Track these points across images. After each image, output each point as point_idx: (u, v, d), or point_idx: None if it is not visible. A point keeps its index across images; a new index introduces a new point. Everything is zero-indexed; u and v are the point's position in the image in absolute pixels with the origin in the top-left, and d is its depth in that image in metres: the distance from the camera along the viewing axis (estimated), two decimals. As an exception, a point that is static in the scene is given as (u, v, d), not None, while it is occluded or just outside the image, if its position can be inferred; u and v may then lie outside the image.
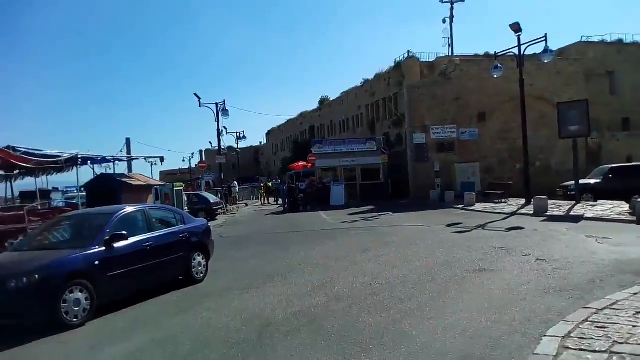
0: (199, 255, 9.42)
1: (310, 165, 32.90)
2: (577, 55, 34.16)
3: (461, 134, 29.02)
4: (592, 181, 21.27)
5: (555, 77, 30.45)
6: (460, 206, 21.81)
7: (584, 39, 37.58)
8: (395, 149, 33.89)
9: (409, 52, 34.87)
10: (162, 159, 21.42)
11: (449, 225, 15.29)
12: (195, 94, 30.40)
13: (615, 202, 18.12)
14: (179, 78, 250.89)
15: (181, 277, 9.06)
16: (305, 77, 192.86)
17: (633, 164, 23.02)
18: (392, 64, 36.11)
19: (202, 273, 9.43)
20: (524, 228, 13.84)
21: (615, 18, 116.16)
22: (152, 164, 21.64)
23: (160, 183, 22.70)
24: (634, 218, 14.54)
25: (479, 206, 21.32)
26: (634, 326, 4.56)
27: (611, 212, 16.32)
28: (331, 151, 31.81)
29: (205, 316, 6.74)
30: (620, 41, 38.18)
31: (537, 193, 19.90)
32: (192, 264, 9.21)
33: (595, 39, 37.89)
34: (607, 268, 7.78)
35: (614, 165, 21.66)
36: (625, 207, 16.68)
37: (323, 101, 56.53)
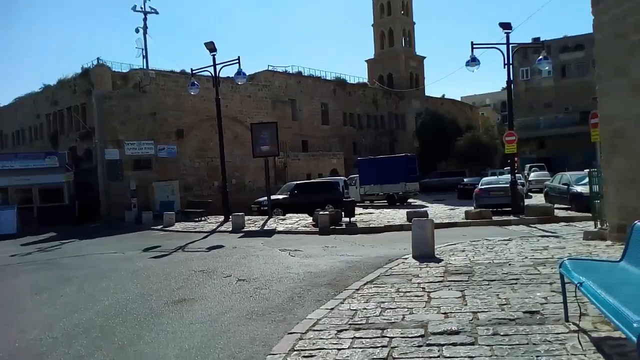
0: None
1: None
2: (265, 82, 37.38)
3: (159, 151, 27.89)
4: (281, 197, 23.14)
5: (247, 100, 32.50)
6: (160, 227, 20.62)
7: (270, 68, 41.55)
8: (84, 166, 30.23)
9: (98, 59, 31.88)
10: None
11: (146, 250, 13.95)
12: None
13: (301, 215, 20.04)
14: None
15: None
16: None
17: (313, 180, 26.17)
18: (79, 71, 32.36)
19: None
20: (224, 246, 13.67)
21: (296, 51, 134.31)
22: None
23: None
24: (317, 229, 16.19)
25: (179, 226, 20.56)
26: (339, 349, 4.36)
27: (298, 224, 17.85)
28: (-1, 168, 26.17)
29: None
30: (300, 73, 43.75)
31: (235, 210, 20.40)
32: None
33: (280, 69, 42.41)
34: (302, 282, 7.94)
35: (298, 182, 24.11)
36: (309, 219, 18.57)
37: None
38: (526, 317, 4.86)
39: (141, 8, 33.15)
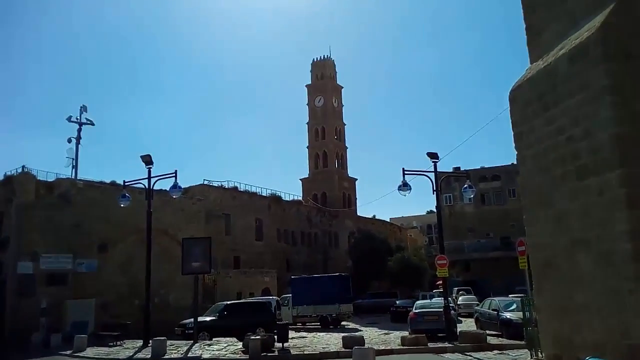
0: None
1: None
2: (200, 195, 36.97)
3: (78, 265, 25.93)
4: (209, 318, 21.67)
5: (180, 214, 31.68)
6: (69, 352, 18.37)
7: (205, 182, 41.46)
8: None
9: (24, 167, 30.46)
10: None
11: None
12: None
13: (229, 340, 18.67)
14: None
15: None
16: None
17: (243, 301, 24.96)
18: (1, 178, 30.60)
19: None
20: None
21: (232, 166, 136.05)
22: None
23: None
24: (247, 356, 15.02)
25: (90, 351, 18.41)
26: None
27: (226, 350, 16.53)
28: None
29: None
30: (235, 188, 43.89)
31: (156, 331, 18.74)
32: None
33: (215, 184, 42.40)
34: None
35: (228, 303, 22.87)
36: (239, 344, 17.27)
37: None
38: None
39: (77, 119, 32.83)
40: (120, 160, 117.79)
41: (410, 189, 18.45)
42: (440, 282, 50.30)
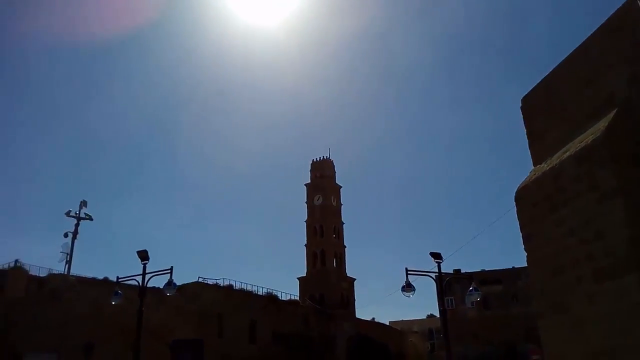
0: None
1: None
2: (193, 294, 35.81)
3: (60, 368, 24.39)
4: None
5: (172, 313, 30.51)
6: None
7: (200, 280, 40.33)
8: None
9: (16, 261, 29.83)
10: None
11: None
12: None
13: None
14: None
15: None
16: None
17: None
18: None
19: None
20: None
21: (228, 264, 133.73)
22: None
23: None
24: None
25: None
26: None
27: None
28: None
29: None
30: (230, 287, 42.60)
31: None
32: None
33: (210, 282, 41.23)
34: None
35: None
36: None
37: None
38: None
39: (76, 213, 32.72)
40: (113, 256, 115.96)
41: (415, 290, 17.87)
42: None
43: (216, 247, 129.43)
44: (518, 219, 10.70)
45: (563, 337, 8.98)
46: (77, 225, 32.05)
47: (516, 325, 51.89)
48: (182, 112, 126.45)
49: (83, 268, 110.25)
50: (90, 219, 33.32)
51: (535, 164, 11.01)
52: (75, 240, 31.99)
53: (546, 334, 9.53)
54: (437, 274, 18.47)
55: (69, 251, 31.15)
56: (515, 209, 10.90)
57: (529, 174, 11.07)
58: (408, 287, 17.73)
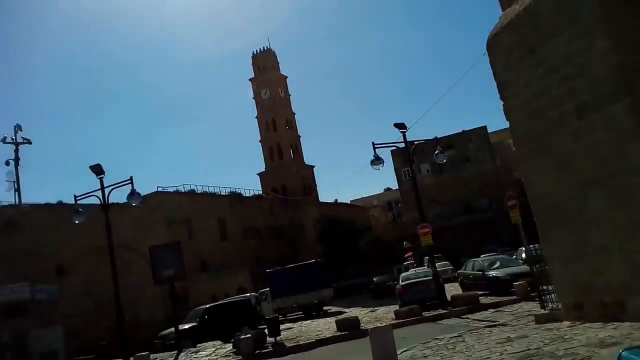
0: None
1: None
2: (156, 204, 35.25)
3: (36, 293, 24.00)
4: (188, 325, 20.51)
5: (138, 225, 30.11)
6: (42, 386, 16.88)
7: (160, 189, 39.61)
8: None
9: (-40, 197, 27.95)
10: None
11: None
12: None
13: (217, 343, 17.68)
14: None
15: None
16: None
17: (223, 301, 23.87)
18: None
19: None
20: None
21: (184, 171, 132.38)
22: None
23: None
24: (240, 357, 14.17)
25: (67, 380, 17.00)
26: None
27: (216, 355, 15.60)
28: None
29: None
30: (192, 192, 42.22)
31: (133, 350, 17.51)
32: None
33: (171, 189, 40.60)
34: None
35: (208, 306, 21.75)
36: (227, 346, 16.35)
37: None
38: None
39: (12, 139, 30.30)
40: (63, 180, 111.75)
41: (383, 162, 17.97)
42: (410, 253, 50.82)
43: (170, 156, 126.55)
44: (492, 68, 10.38)
45: (548, 177, 9.13)
46: (16, 150, 29.87)
47: (470, 184, 54.89)
48: (114, 18, 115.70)
49: (34, 196, 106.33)
50: (29, 142, 31.07)
51: (504, 8, 10.45)
52: (19, 167, 30.06)
53: (530, 177, 9.69)
54: (402, 143, 18.52)
55: (14, 179, 29.37)
56: (488, 60, 10.53)
57: (498, 20, 10.56)
58: (377, 160, 17.77)
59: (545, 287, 10.94)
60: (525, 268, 18.94)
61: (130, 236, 28.87)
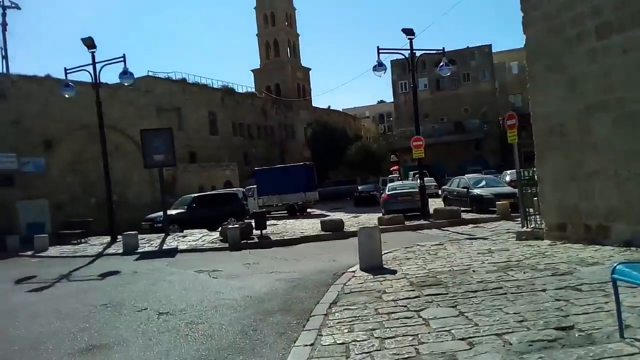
0: None
1: None
2: (147, 88, 34.38)
3: (23, 165, 23.99)
4: (176, 211, 20.92)
5: (128, 108, 29.54)
6: (30, 253, 17.38)
7: (150, 74, 38.46)
8: None
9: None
10: None
11: (19, 282, 11.30)
12: None
13: (203, 231, 18.16)
14: None
15: None
16: None
17: (213, 192, 24.20)
18: None
19: None
20: (120, 272, 11.55)
21: (178, 57, 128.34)
22: None
23: None
24: (227, 245, 14.60)
25: (53, 250, 17.52)
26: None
27: (203, 241, 16.05)
28: None
29: None
30: (184, 80, 41.12)
31: (119, 229, 17.94)
32: None
33: (162, 75, 39.46)
34: (247, 310, 6.53)
35: (197, 195, 22.06)
36: (213, 234, 16.81)
37: None
38: (566, 335, 4.05)
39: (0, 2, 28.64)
40: (53, 53, 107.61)
41: (385, 68, 17.49)
42: (396, 167, 51.33)
43: (162, 41, 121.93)
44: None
45: (556, 97, 8.94)
46: (3, 14, 28.37)
47: (465, 103, 54.40)
48: None
49: (22, 68, 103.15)
50: (17, 7, 29.41)
51: None
52: (7, 33, 28.70)
53: (538, 96, 9.47)
54: (408, 50, 17.89)
55: (2, 46, 28.14)
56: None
57: None
58: (379, 66, 17.28)
59: (529, 209, 11.18)
60: (509, 189, 19.39)
61: (119, 119, 28.40)
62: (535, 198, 10.57)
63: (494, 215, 16.69)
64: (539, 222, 10.34)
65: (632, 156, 7.51)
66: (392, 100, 59.58)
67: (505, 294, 5.67)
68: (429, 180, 36.32)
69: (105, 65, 18.70)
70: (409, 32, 17.67)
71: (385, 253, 9.37)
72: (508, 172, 29.99)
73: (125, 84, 19.59)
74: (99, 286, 9.97)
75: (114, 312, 7.34)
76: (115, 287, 9.57)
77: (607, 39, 7.87)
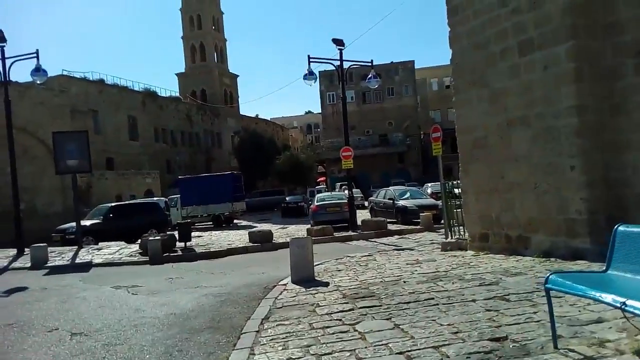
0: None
1: None
2: (60, 89, 32.24)
3: None
4: (90, 222, 19.57)
5: (40, 108, 27.56)
6: None
7: (65, 73, 36.14)
8: None
9: None
10: None
11: None
12: None
13: (121, 243, 17.10)
14: None
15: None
16: None
17: (132, 202, 22.97)
18: None
19: None
20: (28, 288, 10.51)
21: (95, 57, 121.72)
22: None
23: None
24: (147, 258, 13.81)
25: (-52, 265, 15.70)
26: None
27: (120, 254, 15.09)
28: None
29: None
30: (102, 81, 38.95)
31: (26, 241, 16.47)
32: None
33: (78, 75, 37.19)
34: (171, 329, 6.08)
35: (114, 204, 20.81)
36: (132, 247, 15.87)
37: None
38: (501, 346, 4.06)
39: None
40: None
41: (316, 78, 17.50)
42: (323, 178, 51.66)
43: (78, 39, 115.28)
44: (445, -7, 10.07)
45: (479, 111, 9.27)
46: None
47: (390, 116, 56.08)
48: None
49: None
50: None
51: None
52: None
53: (462, 109, 9.79)
54: (338, 60, 18.05)
55: None
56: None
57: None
58: (310, 75, 17.27)
59: (453, 220, 11.53)
60: (431, 201, 20.11)
61: (30, 120, 26.44)
62: (458, 210, 10.92)
63: (418, 227, 17.13)
64: (462, 233, 10.66)
65: (551, 169, 7.90)
66: (320, 111, 60.16)
67: (437, 304, 5.69)
68: (356, 192, 36.92)
69: (15, 61, 17.19)
70: (339, 42, 17.84)
71: (316, 265, 9.22)
72: (429, 184, 31.14)
73: (38, 82, 18.13)
74: (3, 304, 8.98)
75: (21, 332, 6.59)
76: (22, 304, 8.66)
77: (529, 55, 8.25)
